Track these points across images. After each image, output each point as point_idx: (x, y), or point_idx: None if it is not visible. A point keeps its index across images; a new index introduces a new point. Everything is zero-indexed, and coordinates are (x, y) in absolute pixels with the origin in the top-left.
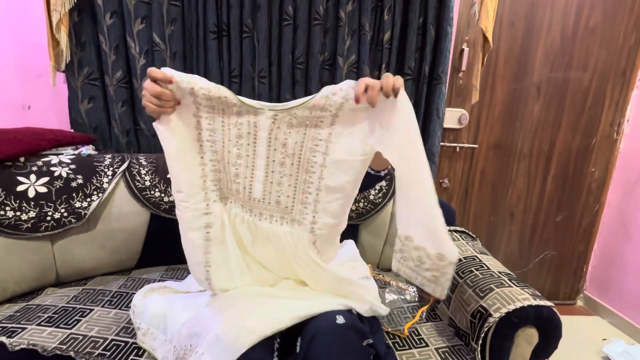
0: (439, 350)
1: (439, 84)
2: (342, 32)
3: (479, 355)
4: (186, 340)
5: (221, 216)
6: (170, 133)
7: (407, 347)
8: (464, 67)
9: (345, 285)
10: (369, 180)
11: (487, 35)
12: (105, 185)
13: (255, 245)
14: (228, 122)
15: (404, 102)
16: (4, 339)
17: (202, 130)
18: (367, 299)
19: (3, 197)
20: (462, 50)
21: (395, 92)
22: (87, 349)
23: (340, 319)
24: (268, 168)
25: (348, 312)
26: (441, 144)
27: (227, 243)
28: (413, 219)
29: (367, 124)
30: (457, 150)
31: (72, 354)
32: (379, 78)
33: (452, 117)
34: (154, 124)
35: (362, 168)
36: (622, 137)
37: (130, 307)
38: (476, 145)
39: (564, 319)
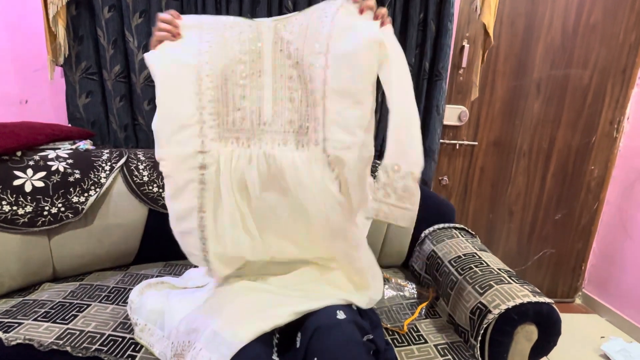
0: (438, 347)
1: (439, 80)
2: None
3: (478, 352)
4: (184, 336)
5: (218, 158)
6: (164, 58)
7: (406, 344)
8: (464, 64)
9: (360, 240)
10: None
11: (488, 30)
12: (102, 180)
13: (267, 191)
14: (231, 42)
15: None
16: (0, 333)
17: (202, 54)
18: (373, 283)
19: None
20: (463, 47)
21: (383, 19)
22: (84, 344)
23: (340, 314)
24: (276, 85)
25: (348, 307)
26: (441, 141)
27: (222, 196)
28: (403, 142)
29: (368, 20)
30: (457, 147)
31: (68, 349)
32: (378, 81)
33: (452, 114)
34: (146, 55)
35: (370, 65)
36: (622, 135)
37: (127, 303)
38: (476, 143)
39: (563, 317)
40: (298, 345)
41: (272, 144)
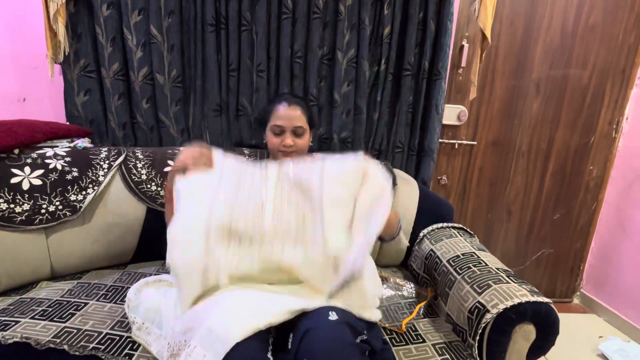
0: (436, 346)
1: (438, 79)
2: (342, 26)
3: (476, 352)
4: (180, 336)
5: (219, 264)
6: (191, 183)
7: (405, 343)
8: (463, 64)
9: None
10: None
11: (485, 32)
12: (100, 179)
13: (270, 279)
14: (246, 171)
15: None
16: None
17: (221, 182)
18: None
19: None
20: (462, 46)
21: None
22: (81, 343)
23: (333, 315)
24: (277, 199)
25: (341, 309)
26: (440, 140)
27: (220, 286)
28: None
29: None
30: (456, 147)
31: (65, 347)
32: (377, 73)
33: (451, 113)
34: (178, 182)
35: (355, 181)
36: (621, 136)
37: (125, 301)
38: (475, 142)
39: (560, 317)
40: (290, 347)
41: (272, 246)
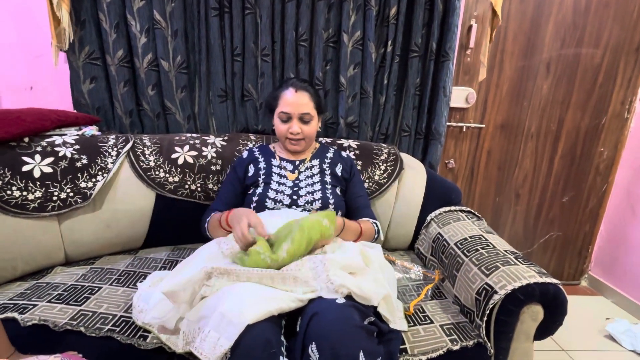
0: (444, 327)
1: (446, 60)
2: (347, 7)
3: (484, 332)
4: (194, 324)
5: (218, 286)
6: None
7: (413, 324)
8: (472, 44)
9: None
10: None
11: (496, 9)
12: (109, 166)
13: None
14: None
15: None
16: (16, 314)
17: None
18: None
19: (9, 177)
20: (470, 26)
21: None
22: (97, 325)
23: (340, 299)
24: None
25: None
26: (447, 123)
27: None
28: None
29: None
30: (464, 130)
31: (82, 329)
32: (384, 56)
33: (459, 96)
34: None
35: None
36: (633, 116)
37: (137, 287)
38: (483, 125)
39: (568, 299)
40: (298, 329)
41: (258, 279)
